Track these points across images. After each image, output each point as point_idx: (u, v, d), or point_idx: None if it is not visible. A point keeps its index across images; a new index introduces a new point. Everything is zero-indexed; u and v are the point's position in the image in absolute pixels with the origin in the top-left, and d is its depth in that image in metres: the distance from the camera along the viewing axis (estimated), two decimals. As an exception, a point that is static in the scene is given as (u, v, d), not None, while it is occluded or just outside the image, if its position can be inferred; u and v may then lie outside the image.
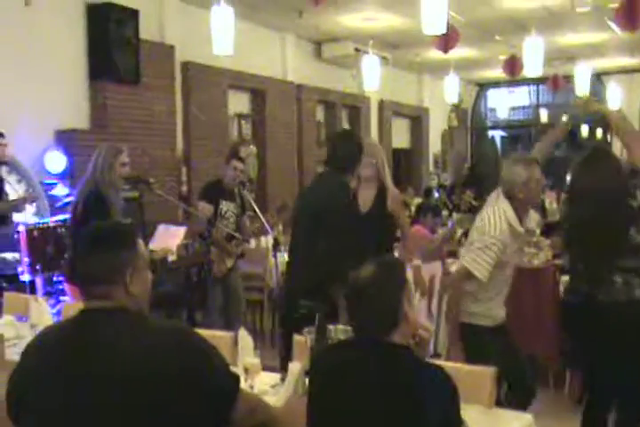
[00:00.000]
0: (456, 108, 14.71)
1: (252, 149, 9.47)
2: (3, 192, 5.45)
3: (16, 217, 5.42)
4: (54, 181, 6.18)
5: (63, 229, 5.23)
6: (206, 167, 7.97)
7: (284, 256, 4.14)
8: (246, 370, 2.62)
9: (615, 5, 7.07)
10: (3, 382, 1.81)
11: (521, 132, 17.40)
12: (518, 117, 16.48)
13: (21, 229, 5.05)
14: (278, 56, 9.96)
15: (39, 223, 5.29)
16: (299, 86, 10.23)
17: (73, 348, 1.71)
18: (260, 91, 9.55)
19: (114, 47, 6.79)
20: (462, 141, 15.99)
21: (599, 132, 15.66)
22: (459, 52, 9.57)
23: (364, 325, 1.99)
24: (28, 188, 5.85)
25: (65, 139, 6.48)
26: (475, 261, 3.20)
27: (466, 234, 5.08)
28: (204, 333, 1.91)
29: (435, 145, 14.73)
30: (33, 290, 5.02)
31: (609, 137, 14.63)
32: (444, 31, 6.24)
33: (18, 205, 5.44)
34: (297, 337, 2.93)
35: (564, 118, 4.17)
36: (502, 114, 16.28)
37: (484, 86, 16.03)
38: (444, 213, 8.36)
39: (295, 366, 2.51)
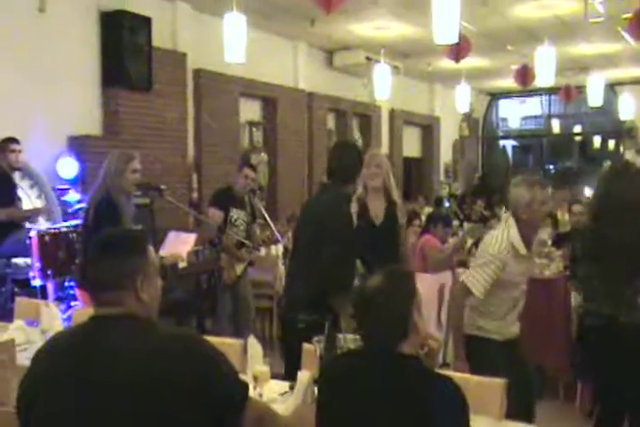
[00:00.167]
0: (467, 117, 14.69)
1: (263, 156, 9.49)
2: (16, 197, 5.49)
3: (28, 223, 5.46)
4: (66, 187, 6.22)
5: (75, 235, 5.25)
6: (217, 174, 7.99)
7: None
8: (255, 378, 2.62)
9: (629, 15, 7.06)
10: (14, 387, 1.81)
11: (532, 142, 17.35)
12: (530, 127, 16.45)
13: (33, 234, 5.07)
14: (290, 64, 10.00)
15: (51, 228, 5.32)
16: (310, 94, 10.26)
17: (83, 354, 1.71)
18: (271, 99, 9.58)
19: (126, 54, 6.85)
20: (473, 151, 15.96)
21: (611, 144, 15.60)
22: (470, 62, 9.58)
23: (373, 335, 1.98)
24: (40, 193, 5.89)
25: (77, 145, 6.53)
26: (473, 277, 3.25)
27: (476, 244, 5.06)
28: (213, 340, 1.91)
29: (446, 154, 14.70)
30: (44, 295, 5.03)
31: (621, 149, 14.56)
32: (456, 41, 6.24)
33: (31, 217, 5.47)
34: (306, 346, 2.92)
35: None
36: (514, 124, 16.27)
37: (495, 96, 16.01)
38: (455, 222, 8.33)
39: (304, 375, 2.50)
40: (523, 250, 3.27)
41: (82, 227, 4.43)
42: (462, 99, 11.17)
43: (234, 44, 6.16)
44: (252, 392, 2.02)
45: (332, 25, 8.79)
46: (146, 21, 7.09)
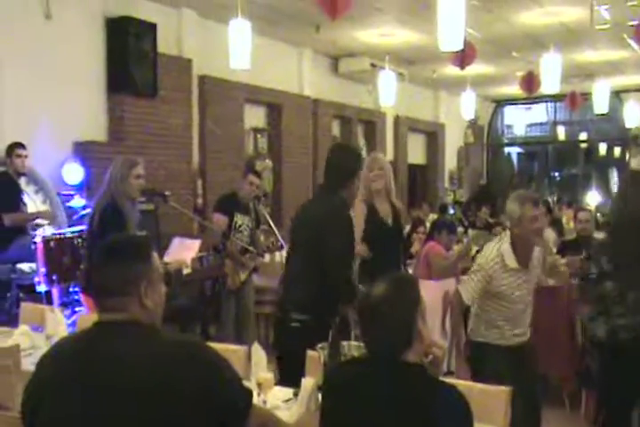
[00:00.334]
0: (472, 124, 14.69)
1: (268, 163, 9.50)
2: (21, 203, 5.50)
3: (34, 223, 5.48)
4: (72, 193, 6.23)
5: (80, 241, 5.26)
6: (222, 181, 8.00)
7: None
8: (259, 385, 2.61)
9: (635, 23, 7.06)
10: (18, 392, 1.81)
11: (538, 149, 17.35)
12: (535, 134, 16.44)
13: (38, 239, 5.08)
14: (295, 71, 10.02)
15: (56, 234, 5.33)
16: (315, 101, 10.27)
17: (87, 360, 1.71)
18: (276, 105, 9.60)
19: (132, 61, 6.87)
20: (478, 158, 15.95)
21: (617, 151, 15.58)
22: (475, 69, 9.58)
23: (378, 342, 1.97)
24: (45, 198, 5.90)
25: (83, 151, 6.55)
26: (466, 283, 3.42)
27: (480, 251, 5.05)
28: (217, 346, 1.91)
29: (450, 161, 14.70)
30: (49, 300, 5.04)
31: (627, 156, 14.54)
32: (461, 47, 6.24)
33: (34, 220, 5.49)
34: (310, 353, 2.91)
35: None
36: (519, 131, 16.26)
37: (500, 103, 16.00)
38: (460, 229, 8.32)
39: (308, 382, 2.49)
40: (513, 264, 3.33)
41: (87, 232, 4.44)
42: (467, 106, 11.18)
43: (239, 51, 6.18)
44: (255, 399, 2.02)
45: (337, 31, 8.82)
46: (151, 28, 7.11)
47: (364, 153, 11.43)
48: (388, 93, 9.63)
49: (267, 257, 6.24)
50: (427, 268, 5.38)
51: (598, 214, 7.58)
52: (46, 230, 5.35)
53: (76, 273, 5.11)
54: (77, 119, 6.62)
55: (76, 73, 6.61)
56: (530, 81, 9.84)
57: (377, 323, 1.95)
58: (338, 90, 10.84)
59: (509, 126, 16.47)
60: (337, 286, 3.34)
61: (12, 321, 4.26)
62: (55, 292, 5.14)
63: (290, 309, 3.34)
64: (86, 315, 4.02)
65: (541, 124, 16.18)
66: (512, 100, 15.50)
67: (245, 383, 1.87)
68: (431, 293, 4.64)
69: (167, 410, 1.64)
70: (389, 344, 1.93)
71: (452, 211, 11.78)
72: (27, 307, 4.24)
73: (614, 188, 15.38)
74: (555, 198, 15.05)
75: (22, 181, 5.69)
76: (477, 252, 5.98)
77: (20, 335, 3.49)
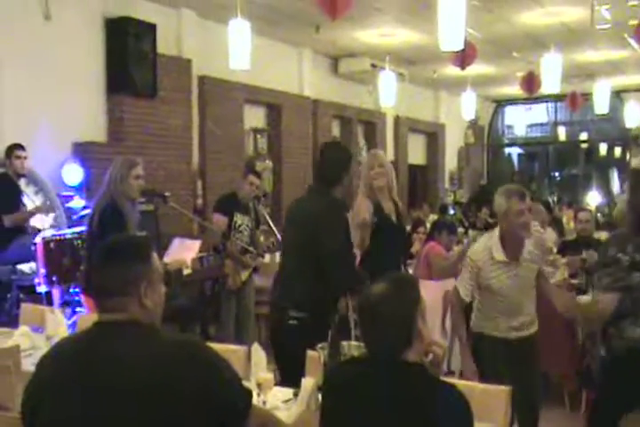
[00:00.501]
0: (473, 124, 14.69)
1: (268, 163, 9.50)
2: (21, 203, 5.50)
3: (34, 223, 5.47)
4: (71, 194, 6.23)
5: (79, 241, 5.26)
6: (221, 181, 8.00)
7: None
8: (259, 385, 2.60)
9: (635, 22, 7.05)
10: (19, 393, 1.81)
11: (538, 150, 17.35)
12: (535, 135, 16.44)
13: (38, 240, 5.08)
14: (295, 71, 10.02)
15: (56, 235, 5.32)
16: (315, 101, 10.27)
17: (87, 360, 1.71)
18: (275, 105, 9.60)
19: (131, 61, 6.87)
20: (479, 158, 15.94)
21: (618, 151, 15.58)
22: (476, 69, 9.58)
23: (378, 342, 1.96)
24: (45, 199, 5.90)
25: (82, 151, 6.55)
26: (461, 279, 3.50)
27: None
28: (217, 347, 1.91)
29: (451, 162, 14.70)
30: (49, 301, 5.04)
31: (627, 156, 14.54)
32: (462, 47, 6.24)
33: (31, 216, 5.49)
34: (310, 353, 2.91)
35: None
36: (519, 131, 16.25)
37: (501, 103, 16.00)
38: (460, 230, 8.31)
39: (308, 382, 2.49)
40: (500, 256, 3.37)
41: (86, 233, 4.43)
42: (468, 106, 11.18)
43: (238, 51, 6.18)
44: (255, 399, 2.01)
45: (337, 32, 8.81)
46: (151, 28, 7.11)
47: (363, 153, 11.45)
48: (388, 94, 9.63)
49: (267, 257, 6.23)
50: (427, 268, 5.38)
51: (599, 214, 7.57)
52: (46, 232, 5.35)
53: (76, 274, 5.11)
54: (77, 120, 6.62)
55: (76, 74, 6.61)
56: (530, 81, 9.84)
57: (377, 322, 1.95)
58: (338, 90, 10.84)
59: (510, 127, 16.46)
60: (341, 285, 3.37)
61: (13, 322, 4.26)
62: (55, 293, 5.14)
63: (287, 307, 3.35)
64: (86, 315, 4.01)
65: (542, 124, 16.17)
66: (512, 101, 15.50)
67: (245, 384, 1.86)
68: (431, 293, 4.64)
69: (167, 410, 1.63)
70: (389, 344, 1.93)
71: (452, 211, 11.77)
72: (27, 308, 4.24)
73: (615, 188, 15.39)
74: (555, 199, 15.05)
75: (22, 183, 5.70)
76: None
77: (21, 336, 3.48)
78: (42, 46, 6.24)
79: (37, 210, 5.58)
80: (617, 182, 15.56)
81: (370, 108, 11.60)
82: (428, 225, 6.34)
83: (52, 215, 5.82)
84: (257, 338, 5.60)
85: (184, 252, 4.75)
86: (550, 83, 8.61)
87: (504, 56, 10.31)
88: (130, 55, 6.87)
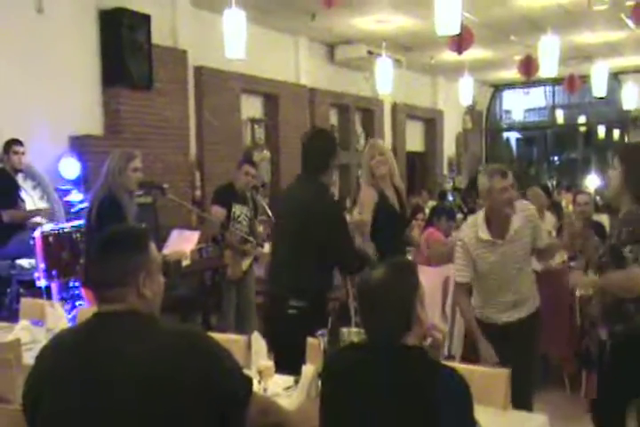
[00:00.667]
0: (471, 110, 14.64)
1: (266, 153, 9.48)
2: (19, 198, 5.50)
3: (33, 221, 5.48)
4: (69, 187, 6.22)
5: (78, 235, 5.26)
6: (219, 172, 7.98)
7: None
8: (260, 373, 2.62)
9: (632, 2, 7.01)
10: (19, 385, 1.82)
11: (536, 134, 17.30)
12: (534, 119, 16.38)
13: (37, 235, 5.08)
14: (291, 60, 9.98)
15: (54, 229, 5.32)
16: (312, 90, 10.23)
17: (87, 352, 1.72)
18: (272, 95, 9.56)
19: (126, 53, 6.83)
20: (477, 144, 15.91)
21: (616, 134, 15.53)
22: (473, 54, 9.53)
23: (377, 327, 1.97)
24: (43, 194, 5.90)
25: (79, 145, 6.52)
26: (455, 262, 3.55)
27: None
28: (217, 336, 1.92)
29: (449, 148, 14.66)
30: (49, 296, 5.05)
31: (626, 138, 14.49)
32: (458, 32, 6.22)
33: (31, 217, 5.49)
34: (310, 340, 2.92)
35: None
36: (517, 115, 16.19)
37: (498, 88, 15.94)
38: (459, 216, 8.31)
39: (309, 369, 2.50)
40: (485, 235, 3.40)
41: (85, 226, 4.44)
42: (465, 91, 11.12)
43: (234, 41, 6.15)
44: (256, 387, 2.02)
45: (332, 19, 8.77)
46: (145, 19, 7.06)
47: (362, 141, 11.44)
48: (385, 81, 9.58)
49: (266, 247, 6.24)
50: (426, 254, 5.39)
51: (597, 197, 7.56)
52: (45, 227, 5.35)
53: (75, 268, 5.12)
54: (73, 113, 6.59)
55: (70, 67, 6.58)
56: (528, 65, 9.78)
57: (376, 308, 1.95)
58: (335, 78, 10.80)
59: (508, 111, 16.40)
60: (346, 265, 3.46)
61: (13, 317, 4.27)
62: (55, 287, 5.14)
63: (288, 297, 3.35)
64: (87, 309, 4.02)
65: (540, 108, 16.11)
66: (510, 85, 15.43)
67: (246, 372, 1.87)
68: (430, 278, 4.65)
69: (167, 401, 1.64)
70: (389, 329, 1.94)
71: (450, 198, 11.76)
72: (27, 302, 4.25)
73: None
74: (554, 183, 15.03)
75: (19, 178, 5.69)
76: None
77: (21, 330, 3.50)
78: (35, 40, 6.20)
79: (38, 213, 5.58)
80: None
81: (367, 96, 11.56)
82: (427, 212, 6.35)
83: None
84: (258, 327, 5.61)
85: (183, 243, 4.74)
86: (548, 66, 8.56)
87: (501, 40, 10.25)
88: (125, 47, 6.82)
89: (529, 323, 3.53)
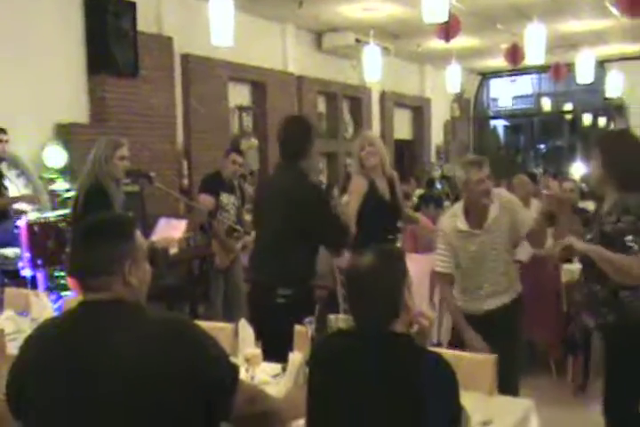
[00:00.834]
0: (458, 98, 14.64)
1: (254, 141, 9.43)
2: (3, 187, 5.45)
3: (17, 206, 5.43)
4: (54, 176, 6.16)
5: (64, 224, 5.22)
6: (207, 160, 7.94)
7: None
8: (247, 360, 2.61)
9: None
10: (3, 375, 1.81)
11: (523, 122, 17.35)
12: (520, 107, 16.41)
13: (22, 223, 5.04)
14: (278, 47, 9.92)
15: (40, 218, 5.28)
16: (299, 78, 10.18)
17: (72, 341, 1.70)
18: (260, 83, 9.50)
19: (111, 40, 6.76)
20: (464, 131, 15.92)
21: (602, 121, 15.59)
22: (460, 42, 9.51)
23: (365, 314, 1.97)
24: (27, 182, 5.85)
25: (64, 133, 6.46)
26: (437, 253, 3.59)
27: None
28: (204, 324, 1.91)
29: (437, 136, 14.67)
30: (34, 285, 5.01)
31: (612, 126, 14.55)
32: (445, 19, 6.21)
33: (13, 202, 5.45)
34: (298, 327, 2.92)
35: None
36: (504, 103, 16.18)
37: (486, 76, 15.93)
38: (447, 203, 8.33)
39: (296, 357, 2.50)
40: (463, 226, 3.44)
41: (71, 215, 4.40)
42: (453, 79, 11.11)
43: (221, 28, 6.09)
44: (243, 375, 2.01)
45: (320, 6, 8.72)
46: (130, 6, 6.98)
47: (350, 129, 11.41)
48: (373, 68, 9.54)
49: (252, 235, 6.23)
50: (413, 241, 5.41)
51: (583, 184, 7.60)
52: (30, 215, 5.30)
53: (61, 257, 5.08)
54: (58, 101, 6.52)
55: (55, 54, 6.50)
56: (514, 53, 9.79)
57: (364, 295, 1.96)
58: (322, 66, 10.75)
59: (495, 99, 16.42)
60: (335, 243, 3.53)
61: (-3, 307, 4.24)
62: (40, 276, 5.11)
63: (275, 285, 3.35)
64: (72, 299, 3.99)
65: (526, 96, 16.15)
66: (497, 73, 15.43)
67: (232, 360, 1.86)
68: (418, 265, 4.65)
69: (153, 390, 1.63)
70: (377, 316, 1.94)
71: (438, 186, 11.78)
72: (11, 292, 4.22)
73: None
74: (541, 170, 15.08)
75: (3, 166, 5.63)
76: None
77: (5, 320, 3.47)
78: (19, 27, 6.12)
79: (22, 199, 5.53)
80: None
81: (355, 84, 11.52)
82: (415, 199, 6.36)
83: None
84: (246, 315, 5.61)
85: (171, 231, 4.72)
86: (534, 54, 8.58)
87: (488, 28, 10.24)
88: (109, 34, 6.75)
89: (513, 308, 3.54)
